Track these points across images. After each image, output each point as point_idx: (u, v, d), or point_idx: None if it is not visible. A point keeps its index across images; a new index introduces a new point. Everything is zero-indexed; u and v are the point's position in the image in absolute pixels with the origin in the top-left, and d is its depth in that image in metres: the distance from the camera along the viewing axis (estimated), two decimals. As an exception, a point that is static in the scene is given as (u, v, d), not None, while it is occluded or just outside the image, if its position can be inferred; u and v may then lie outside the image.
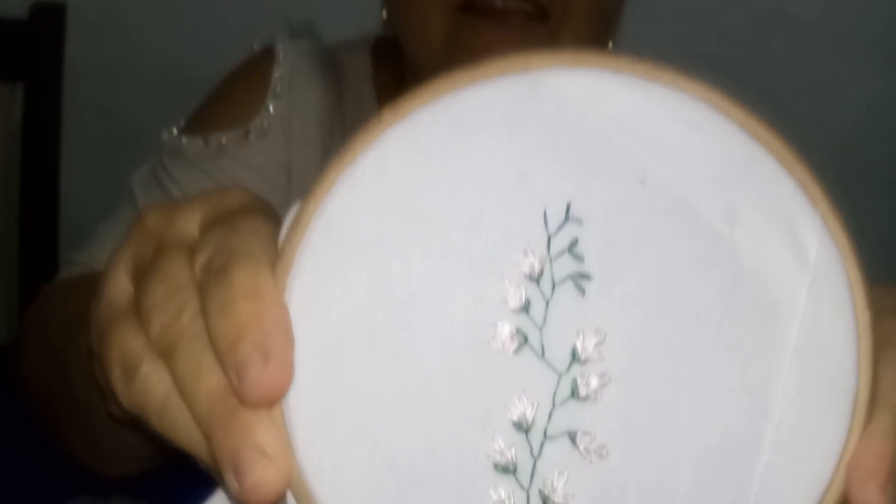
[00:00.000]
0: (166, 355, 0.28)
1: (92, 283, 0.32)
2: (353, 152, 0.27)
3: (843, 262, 0.27)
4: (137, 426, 0.31)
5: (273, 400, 0.26)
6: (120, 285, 0.31)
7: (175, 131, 0.73)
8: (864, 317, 0.26)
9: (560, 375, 0.26)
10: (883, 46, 1.26)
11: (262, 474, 0.25)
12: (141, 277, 0.30)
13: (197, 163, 0.71)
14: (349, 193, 0.27)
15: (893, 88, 1.27)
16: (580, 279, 0.27)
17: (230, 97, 0.76)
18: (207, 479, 0.29)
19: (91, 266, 0.69)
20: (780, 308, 0.27)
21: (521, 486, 0.25)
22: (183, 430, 0.28)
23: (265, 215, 0.31)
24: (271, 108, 0.73)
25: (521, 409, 0.26)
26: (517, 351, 0.26)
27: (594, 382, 0.26)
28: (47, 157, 1.01)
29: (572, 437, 0.26)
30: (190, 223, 0.31)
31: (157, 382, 0.28)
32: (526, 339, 0.26)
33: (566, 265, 0.27)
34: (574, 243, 0.27)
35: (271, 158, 0.73)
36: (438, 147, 0.27)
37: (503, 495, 0.25)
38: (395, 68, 0.75)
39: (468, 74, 0.27)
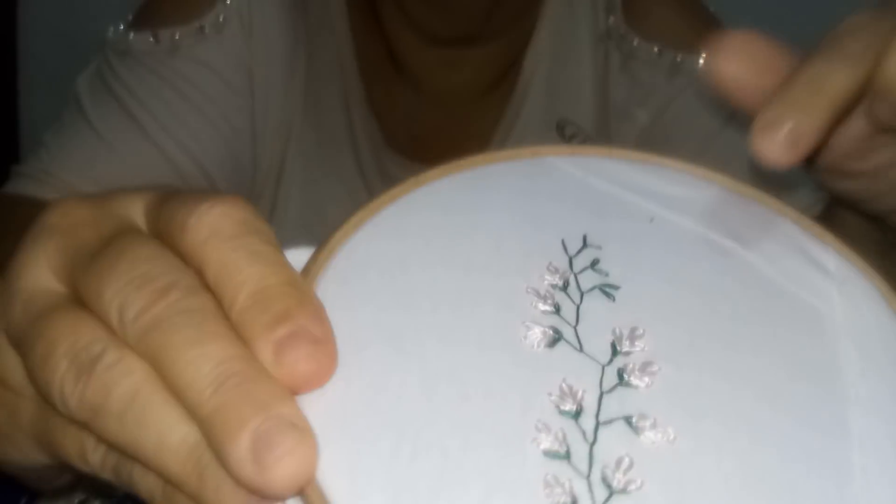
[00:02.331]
0: (145, 337, 0.24)
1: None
2: (376, 205, 0.29)
3: (864, 272, 0.30)
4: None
5: (313, 384, 0.24)
6: (40, 281, 0.27)
7: (121, 26, 0.66)
8: None
9: (603, 366, 0.26)
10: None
11: (296, 446, 0.23)
12: (84, 269, 0.26)
13: (147, 62, 0.65)
14: (372, 230, 0.28)
15: None
16: (607, 288, 0.28)
17: None
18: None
19: (39, 178, 0.64)
20: (817, 307, 0.28)
21: (579, 473, 0.24)
22: (152, 425, 0.24)
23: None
24: (228, 0, 0.67)
25: (567, 395, 0.25)
26: (552, 345, 0.26)
27: (642, 369, 0.26)
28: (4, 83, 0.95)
29: (629, 421, 0.25)
30: (131, 212, 0.28)
31: (122, 373, 0.24)
32: (560, 335, 0.26)
33: (591, 278, 0.28)
34: (596, 262, 0.29)
35: (229, 57, 0.67)
36: (456, 202, 0.29)
37: (557, 481, 0.24)
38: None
39: (482, 158, 0.31)
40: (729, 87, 0.35)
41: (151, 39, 0.65)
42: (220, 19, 0.66)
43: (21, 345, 0.27)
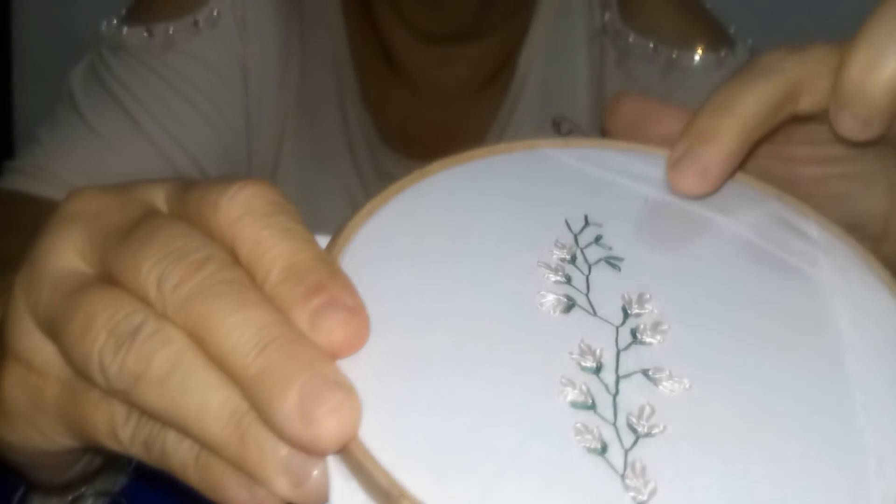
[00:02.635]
0: (185, 307, 0.25)
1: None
2: (386, 194, 0.30)
3: (843, 239, 0.32)
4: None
5: (348, 350, 0.25)
6: (67, 264, 0.28)
7: (115, 21, 0.66)
8: (886, 272, 0.31)
9: (617, 327, 0.28)
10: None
11: (343, 402, 0.24)
12: (117, 248, 0.27)
13: (141, 56, 0.65)
14: (386, 215, 0.30)
15: None
16: (612, 259, 0.30)
17: None
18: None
19: (32, 174, 0.63)
20: (805, 270, 0.31)
21: (606, 420, 0.25)
22: (195, 389, 0.25)
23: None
24: None
25: (587, 353, 0.27)
26: (567, 311, 0.28)
27: (653, 329, 0.28)
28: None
29: (646, 374, 0.27)
30: (153, 198, 0.29)
31: (163, 342, 0.25)
32: (574, 302, 0.28)
33: (596, 252, 0.30)
34: (599, 238, 0.31)
35: (223, 52, 0.67)
36: (462, 189, 0.31)
37: (587, 428, 0.25)
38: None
39: (481, 151, 0.33)
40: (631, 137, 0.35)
41: (145, 34, 0.65)
42: (215, 13, 0.66)
43: (53, 323, 0.27)
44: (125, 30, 0.65)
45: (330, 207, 0.73)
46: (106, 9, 0.68)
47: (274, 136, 0.71)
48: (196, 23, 0.66)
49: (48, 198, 0.62)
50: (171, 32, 0.65)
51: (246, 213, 0.27)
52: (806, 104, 0.32)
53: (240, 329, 0.25)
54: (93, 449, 0.31)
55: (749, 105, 0.31)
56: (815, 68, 0.32)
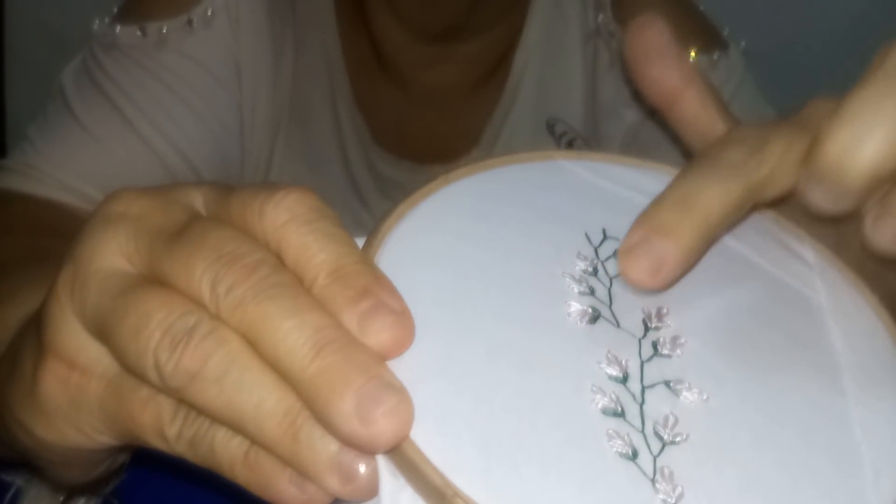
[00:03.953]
0: (239, 309, 0.26)
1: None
2: (413, 199, 0.31)
3: (836, 264, 0.33)
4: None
5: (395, 353, 0.26)
6: (114, 265, 0.28)
7: (107, 20, 0.65)
8: (874, 297, 0.32)
9: (639, 339, 0.29)
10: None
11: (399, 404, 0.25)
12: (167, 250, 0.27)
13: (134, 55, 0.65)
14: (414, 222, 0.31)
15: (876, 5, 1.21)
16: None
17: None
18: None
19: (23, 173, 0.63)
20: (803, 291, 0.32)
21: (635, 428, 0.27)
22: (253, 388, 0.26)
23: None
24: None
25: (613, 363, 0.28)
26: (593, 322, 0.29)
27: (672, 343, 0.29)
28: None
29: (668, 385, 0.28)
30: (192, 201, 0.29)
31: (219, 341, 0.26)
32: (599, 313, 0.29)
33: (616, 266, 0.30)
34: (618, 252, 0.31)
35: (217, 52, 0.67)
36: (485, 198, 0.32)
37: (618, 434, 0.26)
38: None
39: (499, 160, 0.34)
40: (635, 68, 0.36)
41: (138, 33, 0.65)
42: (209, 13, 0.66)
43: (102, 322, 0.28)
44: (118, 28, 0.65)
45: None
46: (99, 8, 0.68)
47: (267, 136, 0.71)
48: (190, 22, 0.65)
49: (40, 196, 0.62)
50: (164, 31, 0.65)
51: (291, 219, 0.27)
52: (771, 195, 0.31)
53: (296, 332, 0.25)
54: (127, 447, 0.32)
55: (711, 205, 0.29)
56: (780, 163, 0.30)
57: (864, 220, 0.31)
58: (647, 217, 0.29)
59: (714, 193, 0.29)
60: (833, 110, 0.30)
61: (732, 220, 0.30)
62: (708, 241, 0.29)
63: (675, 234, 0.28)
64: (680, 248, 0.28)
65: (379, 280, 0.27)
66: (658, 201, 0.30)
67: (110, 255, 0.28)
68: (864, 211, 0.31)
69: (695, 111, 0.36)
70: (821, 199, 0.31)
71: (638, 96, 0.39)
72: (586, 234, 0.32)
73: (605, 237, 0.32)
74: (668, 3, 0.71)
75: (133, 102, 0.64)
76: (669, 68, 0.36)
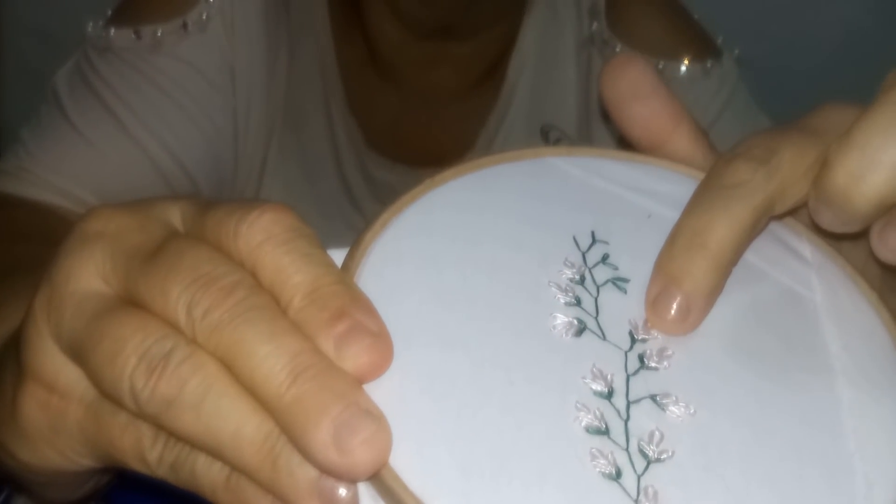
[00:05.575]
0: (216, 333, 0.25)
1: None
2: (398, 206, 0.31)
3: (834, 259, 0.33)
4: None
5: (373, 375, 0.26)
6: (90, 286, 0.28)
7: (101, 22, 0.65)
8: (873, 294, 0.32)
9: (626, 352, 0.29)
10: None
11: (376, 432, 0.24)
12: (143, 271, 0.27)
13: (128, 58, 0.64)
14: (399, 229, 0.30)
15: (871, 13, 1.22)
16: (619, 281, 0.31)
17: None
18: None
19: (16, 175, 0.63)
20: (799, 291, 0.31)
21: (619, 446, 0.26)
22: (230, 415, 0.25)
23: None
24: None
25: (598, 378, 0.28)
26: (578, 335, 0.29)
27: (659, 355, 0.29)
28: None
29: (654, 399, 0.28)
30: (170, 218, 0.29)
31: (195, 367, 0.25)
32: (585, 325, 0.29)
33: (604, 272, 0.31)
34: (606, 256, 0.31)
35: (212, 55, 0.67)
36: (472, 202, 0.32)
37: (602, 454, 0.26)
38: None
39: (488, 159, 0.33)
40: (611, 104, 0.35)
41: (133, 36, 0.65)
42: (204, 17, 0.66)
43: (78, 346, 0.27)
44: (112, 31, 0.65)
45: (317, 212, 0.73)
46: (94, 11, 0.68)
47: (261, 140, 0.71)
48: (185, 25, 0.65)
49: (32, 200, 0.62)
50: (159, 35, 0.65)
51: (266, 239, 0.27)
52: (784, 207, 0.31)
53: (272, 358, 0.25)
54: (111, 468, 0.31)
55: (723, 237, 0.29)
56: (791, 173, 0.30)
57: (871, 231, 0.30)
58: (663, 265, 0.30)
59: (723, 225, 0.29)
60: (845, 123, 0.29)
61: (748, 242, 0.30)
62: (727, 272, 0.30)
63: (691, 279, 0.29)
64: (700, 290, 0.29)
65: (356, 300, 0.26)
66: (670, 243, 0.30)
67: (87, 275, 0.28)
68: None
69: (686, 149, 0.35)
70: (829, 220, 0.30)
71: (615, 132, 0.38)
72: (574, 238, 0.32)
73: (593, 240, 0.32)
74: (662, 12, 0.72)
75: (127, 105, 0.64)
76: (659, 108, 0.34)
